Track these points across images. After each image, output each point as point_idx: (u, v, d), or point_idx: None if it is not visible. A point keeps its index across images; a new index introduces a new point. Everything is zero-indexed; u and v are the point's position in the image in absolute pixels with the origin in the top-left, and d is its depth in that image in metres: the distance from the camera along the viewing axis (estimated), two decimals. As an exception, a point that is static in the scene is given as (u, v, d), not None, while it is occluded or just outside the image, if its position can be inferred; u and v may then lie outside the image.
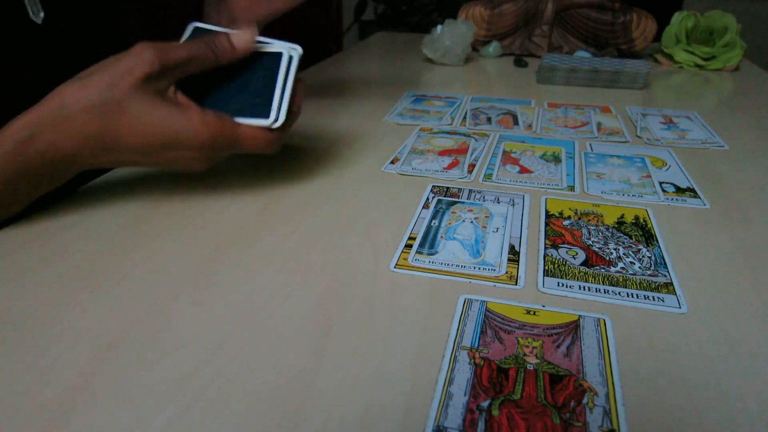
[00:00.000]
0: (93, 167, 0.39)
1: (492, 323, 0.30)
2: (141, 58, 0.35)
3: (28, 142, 0.35)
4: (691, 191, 0.46)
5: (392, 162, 0.52)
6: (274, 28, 0.52)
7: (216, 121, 0.37)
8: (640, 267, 0.35)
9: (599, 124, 0.64)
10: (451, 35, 0.94)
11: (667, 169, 0.51)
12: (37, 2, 0.46)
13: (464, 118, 0.66)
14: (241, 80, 0.40)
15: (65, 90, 0.35)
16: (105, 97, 0.35)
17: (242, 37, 0.39)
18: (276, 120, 0.39)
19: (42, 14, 0.46)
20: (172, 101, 0.37)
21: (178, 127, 0.36)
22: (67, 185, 0.41)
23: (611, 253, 0.37)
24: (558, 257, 0.36)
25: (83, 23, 0.51)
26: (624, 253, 0.37)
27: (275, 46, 0.41)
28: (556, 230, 0.40)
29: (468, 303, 0.31)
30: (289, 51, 0.40)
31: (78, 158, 0.37)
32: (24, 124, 0.35)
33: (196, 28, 0.42)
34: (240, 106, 0.39)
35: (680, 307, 0.31)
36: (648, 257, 0.36)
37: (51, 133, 0.35)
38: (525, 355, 0.27)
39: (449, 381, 0.26)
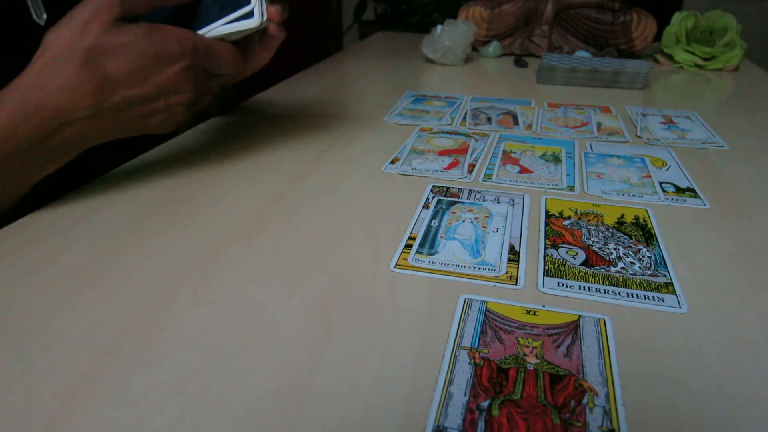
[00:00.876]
0: (90, 123, 0.39)
1: (492, 323, 0.30)
2: (102, 1, 0.37)
3: (18, 107, 0.36)
4: (691, 191, 0.46)
5: (392, 162, 0.52)
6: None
7: (188, 31, 0.40)
8: (640, 267, 0.35)
9: (599, 124, 0.64)
10: (451, 35, 0.94)
11: (667, 169, 0.51)
12: (40, 4, 0.46)
13: (464, 118, 0.66)
14: None
15: (45, 51, 0.37)
16: (80, 45, 0.36)
17: None
18: (255, 10, 0.40)
19: (44, 16, 0.46)
20: (142, 24, 0.39)
21: (158, 43, 0.38)
22: (67, 185, 0.41)
23: (611, 253, 0.37)
24: (558, 257, 0.36)
25: None
26: (624, 253, 0.37)
27: None
28: (556, 230, 0.40)
29: (468, 303, 0.31)
30: None
31: (71, 111, 0.37)
32: (9, 90, 0.36)
33: None
34: (219, 9, 0.41)
35: (680, 307, 0.31)
36: (648, 257, 0.36)
37: (36, 91, 0.36)
38: (525, 355, 0.27)
39: (449, 381, 0.26)
